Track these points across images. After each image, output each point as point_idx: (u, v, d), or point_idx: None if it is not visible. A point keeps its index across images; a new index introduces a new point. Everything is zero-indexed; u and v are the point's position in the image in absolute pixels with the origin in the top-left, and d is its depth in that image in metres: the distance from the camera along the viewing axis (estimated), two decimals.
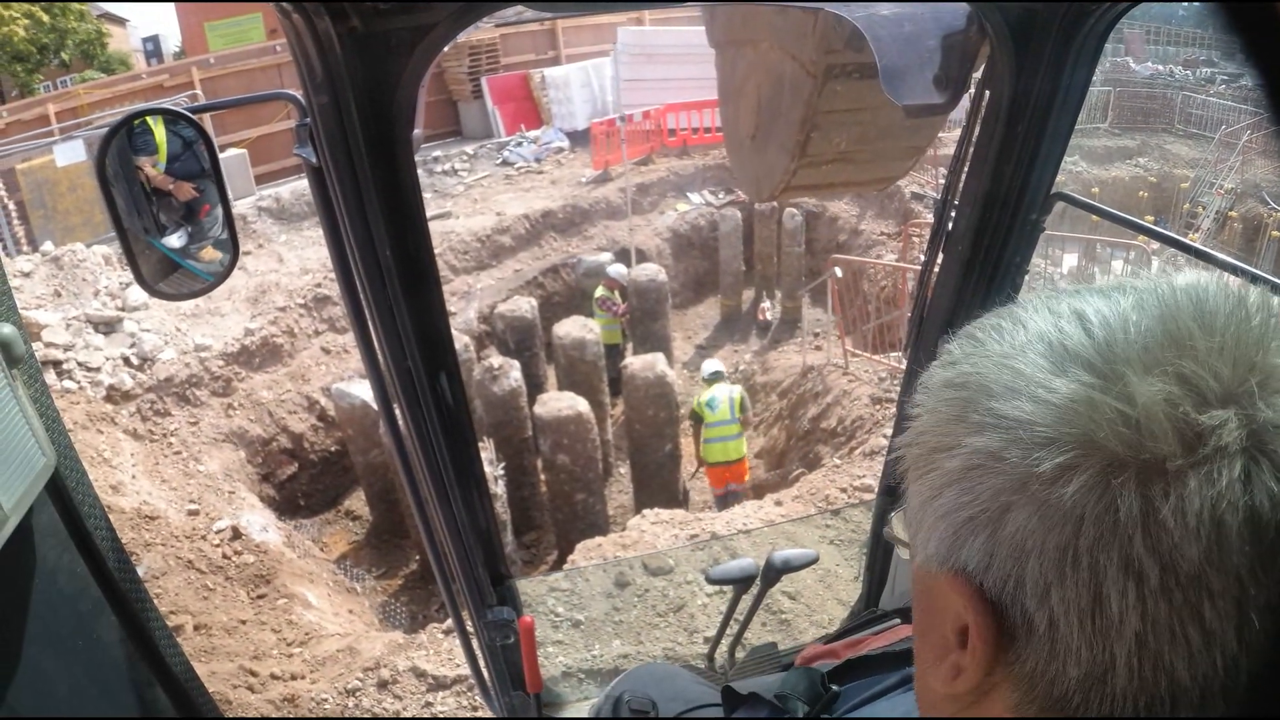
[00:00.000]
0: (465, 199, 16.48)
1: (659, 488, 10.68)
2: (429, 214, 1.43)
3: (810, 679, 1.12)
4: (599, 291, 12.93)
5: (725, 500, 9.81)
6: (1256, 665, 0.52)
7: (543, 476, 10.44)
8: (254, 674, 6.31)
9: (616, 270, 13.17)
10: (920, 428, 0.68)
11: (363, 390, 9.97)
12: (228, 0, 21.73)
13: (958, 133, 1.75)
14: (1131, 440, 0.53)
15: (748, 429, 10.44)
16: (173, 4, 24.33)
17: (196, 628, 6.86)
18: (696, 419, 9.79)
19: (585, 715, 1.98)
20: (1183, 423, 0.52)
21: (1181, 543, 0.51)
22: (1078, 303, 0.62)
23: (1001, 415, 0.59)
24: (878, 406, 9.42)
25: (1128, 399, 0.54)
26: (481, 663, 2.36)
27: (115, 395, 9.72)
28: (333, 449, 11.48)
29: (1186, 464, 0.51)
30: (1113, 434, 0.53)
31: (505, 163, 18.15)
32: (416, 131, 1.31)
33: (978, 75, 1.60)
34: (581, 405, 9.49)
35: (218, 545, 8.00)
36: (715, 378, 9.89)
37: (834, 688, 1.11)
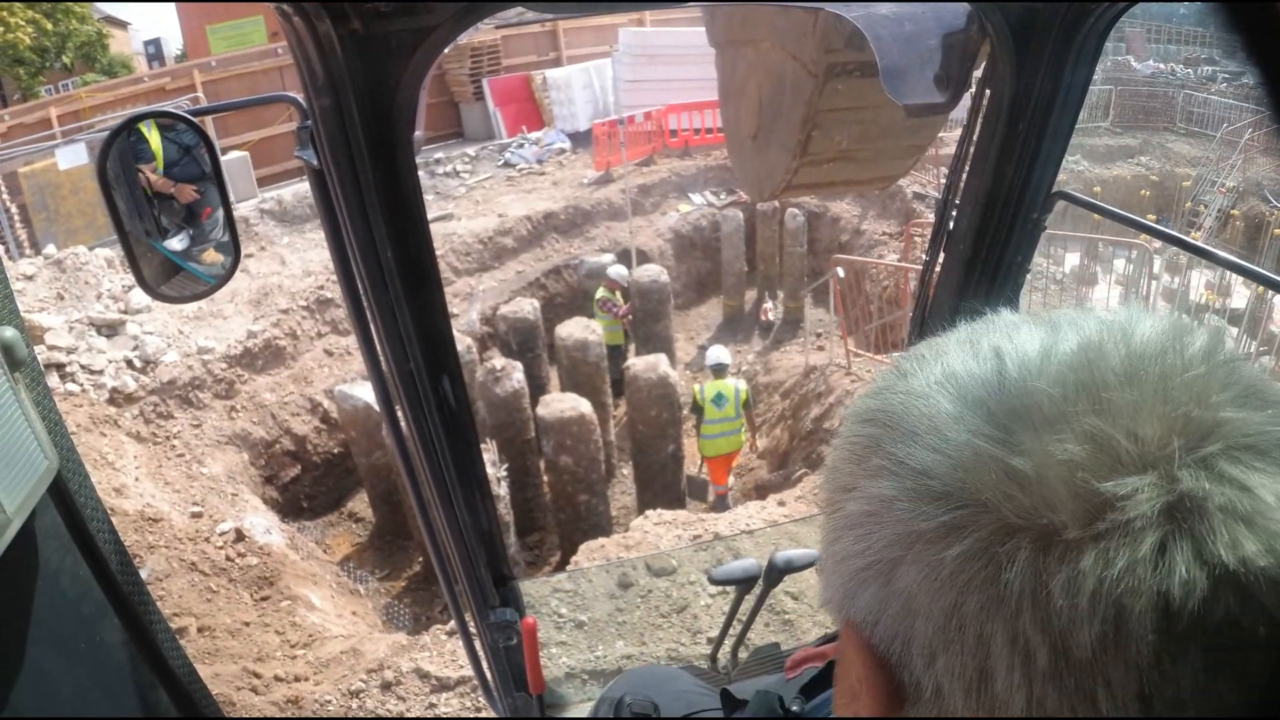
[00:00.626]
0: (467, 200, 16.49)
1: (662, 488, 10.68)
2: (431, 216, 1.43)
3: (769, 703, 1.11)
4: (600, 293, 12.92)
5: (723, 501, 10.24)
6: None
7: (545, 478, 10.44)
8: (258, 676, 6.32)
9: (616, 271, 13.14)
10: (831, 463, 0.63)
11: (365, 392, 9.97)
12: None
13: (958, 132, 1.75)
14: (1025, 505, 0.47)
15: (752, 425, 10.81)
16: (174, 6, 24.42)
17: (200, 630, 6.87)
18: (697, 411, 9.99)
19: (586, 716, 1.98)
20: (1082, 489, 0.46)
21: (1072, 625, 0.45)
22: (1002, 338, 0.57)
23: (899, 461, 0.54)
24: None
25: (1024, 456, 0.48)
26: (484, 664, 2.36)
27: (118, 398, 9.74)
28: (335, 451, 11.48)
29: (1083, 537, 0.46)
30: (1003, 496, 0.48)
31: (507, 164, 18.16)
32: (418, 133, 1.31)
33: (978, 74, 1.60)
34: (584, 406, 9.49)
35: (221, 547, 8.02)
36: (720, 370, 10.07)
37: (793, 709, 1.09)
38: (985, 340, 0.58)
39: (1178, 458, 0.46)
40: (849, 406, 0.65)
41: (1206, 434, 0.47)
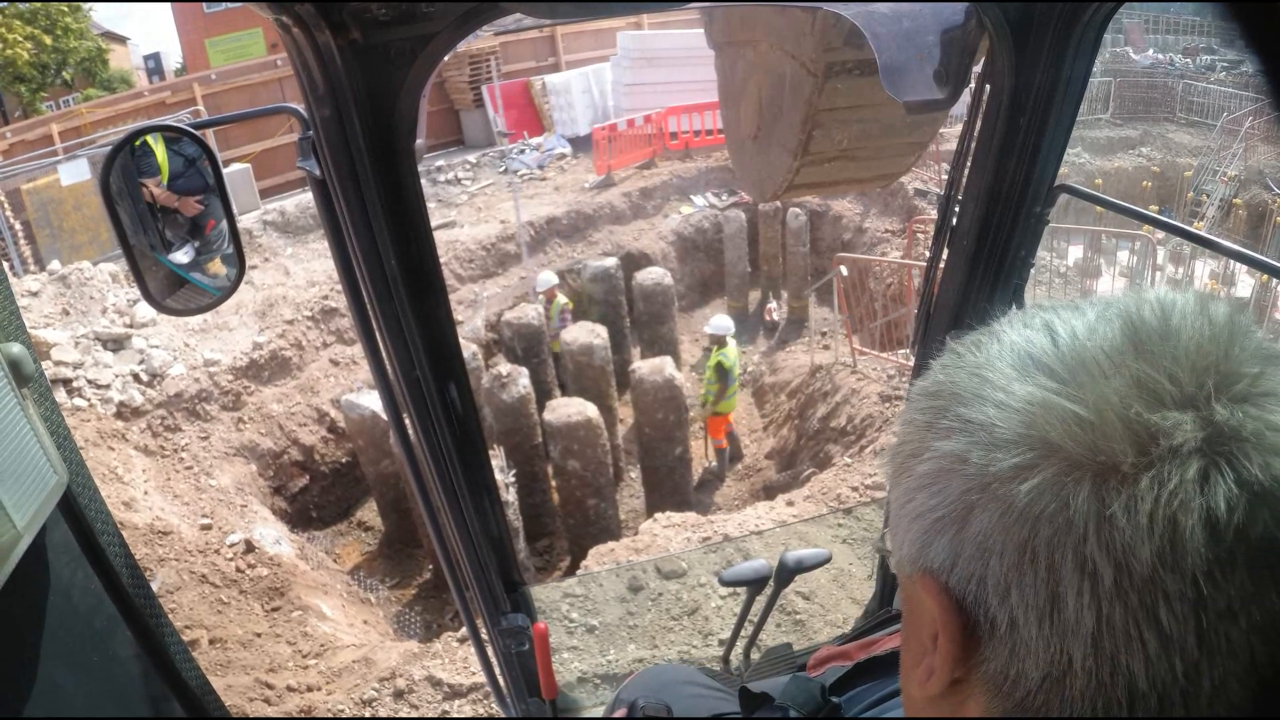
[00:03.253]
0: (469, 207, 16.52)
1: (670, 491, 10.67)
2: (433, 223, 1.43)
3: (809, 690, 1.12)
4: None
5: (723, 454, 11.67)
6: (1220, 673, 0.51)
7: (553, 482, 10.45)
8: (270, 686, 6.33)
9: (542, 279, 13.24)
10: (898, 437, 0.70)
11: (372, 401, 10.00)
12: (229, 1, 21.80)
13: (959, 128, 1.75)
14: (1087, 442, 0.54)
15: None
16: (173, 21, 24.51)
17: (212, 641, 6.88)
18: (724, 374, 10.92)
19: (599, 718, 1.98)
20: (1136, 424, 0.53)
21: (1133, 542, 0.51)
22: (1050, 316, 0.64)
23: (967, 420, 0.60)
24: (887, 404, 9.39)
25: (1083, 402, 0.55)
26: (497, 670, 2.36)
27: (125, 412, 9.76)
28: (343, 460, 11.50)
29: (1139, 464, 0.52)
30: (1068, 436, 0.54)
31: (508, 170, 18.20)
32: (419, 141, 1.32)
33: (978, 70, 1.60)
34: (590, 410, 9.49)
35: (231, 559, 8.03)
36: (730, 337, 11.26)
37: (834, 699, 1.10)
38: (1036, 318, 0.65)
39: (1212, 396, 0.53)
40: (907, 394, 0.70)
41: (1233, 380, 0.54)
